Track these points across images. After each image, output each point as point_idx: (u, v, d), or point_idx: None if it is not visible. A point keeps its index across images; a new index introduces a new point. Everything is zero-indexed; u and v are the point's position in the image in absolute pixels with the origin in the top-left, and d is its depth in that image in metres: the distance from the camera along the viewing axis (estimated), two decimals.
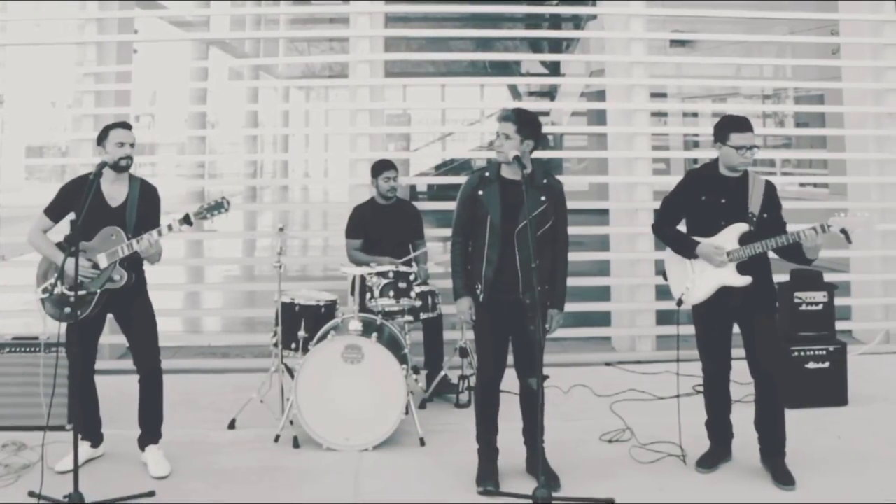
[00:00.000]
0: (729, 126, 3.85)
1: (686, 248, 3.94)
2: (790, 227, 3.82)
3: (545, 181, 3.82)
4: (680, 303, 3.97)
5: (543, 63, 14.92)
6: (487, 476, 3.81)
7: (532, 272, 3.52)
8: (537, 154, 3.93)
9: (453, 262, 3.93)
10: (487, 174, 3.87)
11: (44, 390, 4.32)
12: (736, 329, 3.97)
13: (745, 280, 3.80)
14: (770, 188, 3.90)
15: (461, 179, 4.24)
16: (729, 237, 3.83)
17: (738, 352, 3.94)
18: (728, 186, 3.87)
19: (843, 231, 3.65)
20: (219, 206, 3.89)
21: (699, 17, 8.37)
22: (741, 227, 3.82)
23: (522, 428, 3.94)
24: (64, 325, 3.72)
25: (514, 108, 3.89)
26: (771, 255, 3.88)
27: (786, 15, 7.00)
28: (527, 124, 3.78)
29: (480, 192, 3.82)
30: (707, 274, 3.88)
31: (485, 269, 3.78)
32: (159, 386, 4.10)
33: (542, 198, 3.76)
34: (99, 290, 3.87)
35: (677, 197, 4.04)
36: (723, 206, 3.86)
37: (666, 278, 4.10)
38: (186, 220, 3.84)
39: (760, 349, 3.85)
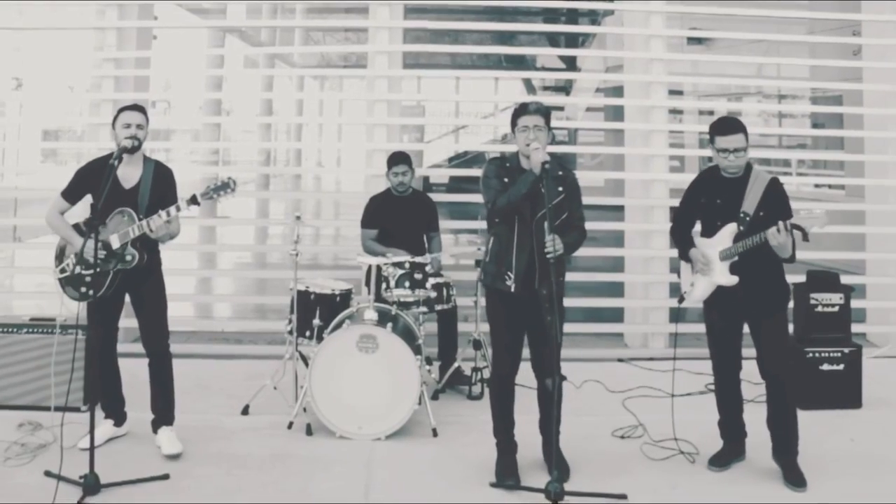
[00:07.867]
0: (714, 129, 3.85)
1: (681, 251, 4.05)
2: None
3: (560, 172, 3.81)
4: (681, 299, 4.06)
5: (561, 57, 14.81)
6: (507, 472, 3.80)
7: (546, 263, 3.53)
8: (551, 149, 3.90)
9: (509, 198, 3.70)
10: (508, 164, 3.84)
11: (58, 370, 4.36)
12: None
13: (732, 280, 3.82)
14: (772, 185, 3.84)
15: (473, 172, 4.20)
16: (723, 237, 3.85)
17: (751, 351, 3.93)
18: (726, 187, 3.87)
19: (800, 228, 3.60)
20: (225, 187, 3.91)
21: (717, 15, 8.29)
22: (732, 228, 3.83)
23: (539, 420, 3.95)
24: (83, 306, 3.75)
25: (536, 100, 3.87)
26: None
27: (807, 14, 6.92)
28: (549, 117, 3.83)
29: (506, 180, 3.78)
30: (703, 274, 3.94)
31: (516, 259, 3.73)
32: (168, 368, 4.13)
33: (560, 188, 3.76)
34: (112, 271, 3.90)
35: (684, 199, 4.12)
36: (718, 206, 3.88)
37: (679, 276, 4.15)
38: (193, 200, 3.88)
39: (766, 351, 3.86)
